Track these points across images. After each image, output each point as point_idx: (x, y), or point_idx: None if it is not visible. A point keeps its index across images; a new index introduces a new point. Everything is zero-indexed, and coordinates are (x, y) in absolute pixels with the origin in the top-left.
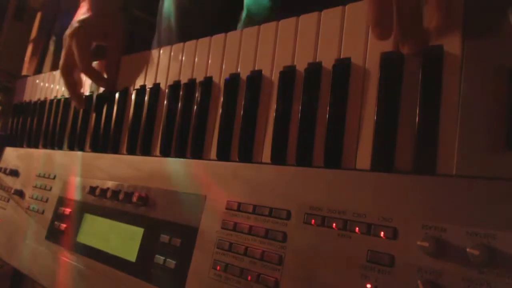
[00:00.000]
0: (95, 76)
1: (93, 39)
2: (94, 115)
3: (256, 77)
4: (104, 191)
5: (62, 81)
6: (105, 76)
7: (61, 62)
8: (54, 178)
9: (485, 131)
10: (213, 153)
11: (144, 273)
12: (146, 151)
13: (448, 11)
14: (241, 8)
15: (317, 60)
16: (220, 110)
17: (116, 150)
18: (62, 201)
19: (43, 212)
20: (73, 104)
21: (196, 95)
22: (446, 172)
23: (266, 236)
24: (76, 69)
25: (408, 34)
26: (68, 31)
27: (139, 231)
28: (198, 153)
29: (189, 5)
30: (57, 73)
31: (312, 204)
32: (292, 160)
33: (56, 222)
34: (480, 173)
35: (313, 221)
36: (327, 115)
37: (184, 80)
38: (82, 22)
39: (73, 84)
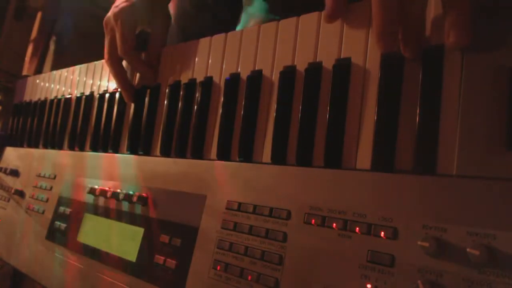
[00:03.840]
0: (137, 62)
1: (139, 23)
2: (94, 115)
3: (256, 77)
4: (104, 191)
5: (62, 81)
6: (149, 66)
7: (106, 49)
8: (54, 178)
9: (485, 131)
10: (213, 153)
11: (144, 273)
12: (147, 151)
13: (466, 29)
14: (241, 8)
15: (317, 60)
16: (220, 110)
17: (116, 150)
18: (62, 201)
19: (43, 212)
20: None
21: (196, 95)
22: (446, 172)
23: (266, 236)
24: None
25: (411, 42)
26: (111, 13)
27: (139, 231)
28: (198, 153)
29: (189, 5)
30: (57, 73)
31: (312, 204)
32: (292, 160)
33: (56, 222)
34: (480, 173)
35: (313, 221)
36: (327, 115)
37: (184, 80)
38: (130, 2)
39: (122, 74)
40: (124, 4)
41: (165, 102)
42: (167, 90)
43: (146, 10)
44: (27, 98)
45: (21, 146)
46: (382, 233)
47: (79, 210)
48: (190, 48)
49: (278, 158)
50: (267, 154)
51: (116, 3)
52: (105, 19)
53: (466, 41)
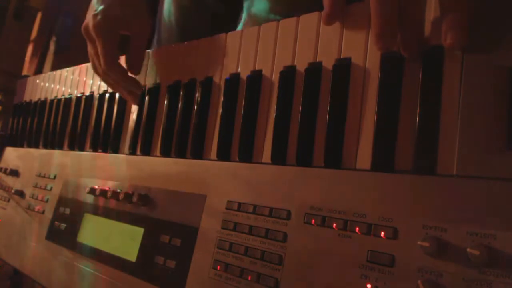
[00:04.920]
0: (122, 75)
1: (119, 29)
2: (94, 115)
3: (256, 77)
4: (104, 191)
5: (62, 81)
6: (131, 69)
7: (92, 63)
8: (54, 178)
9: (485, 131)
10: (213, 153)
11: (144, 273)
12: (146, 151)
13: (463, 31)
14: (241, 8)
15: (317, 60)
16: (220, 110)
17: (116, 150)
18: (62, 201)
19: (43, 212)
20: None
21: (196, 95)
22: (446, 172)
23: (266, 236)
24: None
25: (411, 42)
26: (90, 24)
27: (139, 231)
28: (198, 153)
29: (189, 5)
30: (57, 73)
31: (312, 204)
32: (292, 160)
33: (56, 222)
34: (480, 173)
35: (313, 221)
36: (327, 115)
37: (184, 80)
38: (106, 11)
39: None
40: (100, 16)
41: (165, 102)
42: (167, 90)
43: (125, 16)
44: (27, 98)
45: (21, 146)
46: (382, 233)
47: (79, 210)
48: (190, 48)
49: (278, 158)
50: (267, 154)
51: (94, 10)
52: (83, 26)
53: (463, 43)
